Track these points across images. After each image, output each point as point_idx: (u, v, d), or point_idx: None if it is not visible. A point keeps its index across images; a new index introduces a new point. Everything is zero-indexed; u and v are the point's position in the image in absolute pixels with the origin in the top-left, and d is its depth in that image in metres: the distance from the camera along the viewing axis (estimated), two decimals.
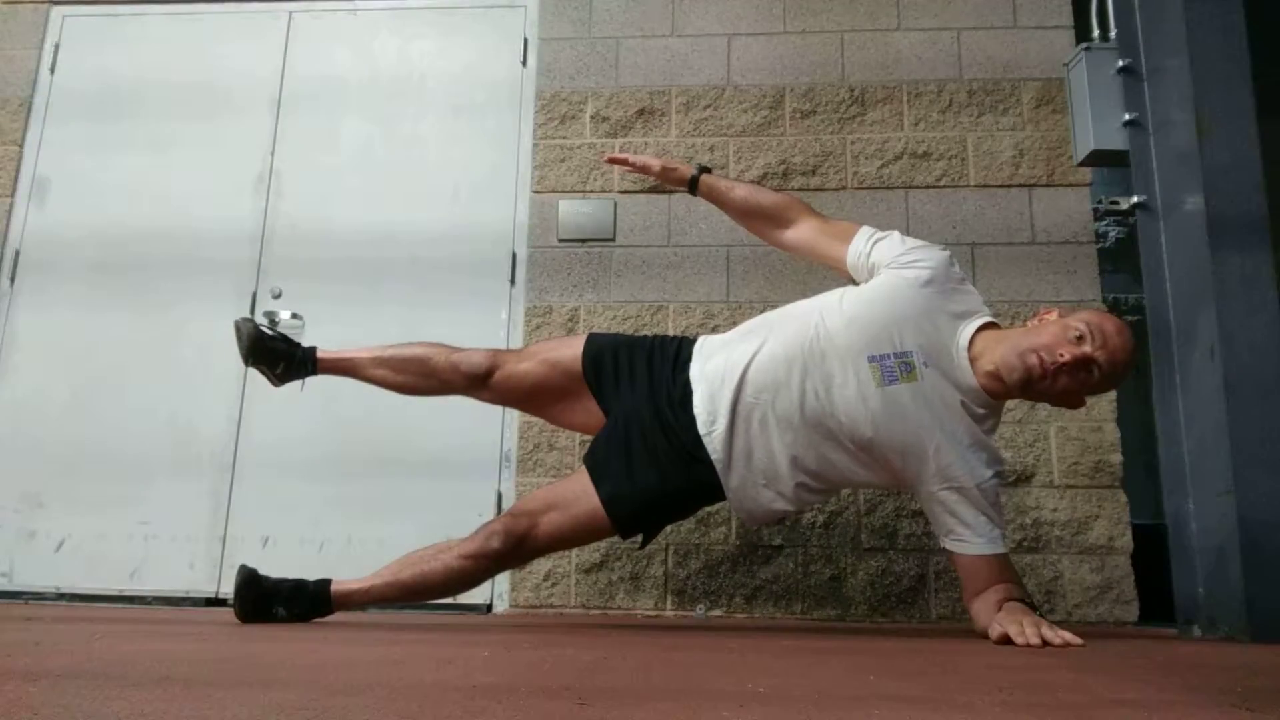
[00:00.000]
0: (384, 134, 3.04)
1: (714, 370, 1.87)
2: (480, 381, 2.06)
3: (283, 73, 3.10)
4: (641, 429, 1.89)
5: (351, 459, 2.77)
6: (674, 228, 2.83)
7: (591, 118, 2.94)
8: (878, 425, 1.75)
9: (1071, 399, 1.75)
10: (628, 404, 1.95)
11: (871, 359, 1.75)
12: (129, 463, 2.82)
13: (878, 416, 1.74)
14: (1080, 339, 1.66)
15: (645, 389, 1.95)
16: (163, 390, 2.87)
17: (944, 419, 1.74)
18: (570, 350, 2.04)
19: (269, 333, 2.07)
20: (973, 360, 1.74)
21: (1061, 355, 1.65)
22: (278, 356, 2.06)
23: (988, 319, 1.79)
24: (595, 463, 1.90)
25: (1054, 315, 1.76)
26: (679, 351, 1.98)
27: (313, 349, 2.11)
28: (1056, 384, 1.68)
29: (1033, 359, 1.66)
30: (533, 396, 2.08)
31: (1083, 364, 1.65)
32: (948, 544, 1.79)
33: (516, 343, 2.80)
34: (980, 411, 1.76)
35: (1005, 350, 1.70)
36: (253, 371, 2.14)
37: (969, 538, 1.75)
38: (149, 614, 2.22)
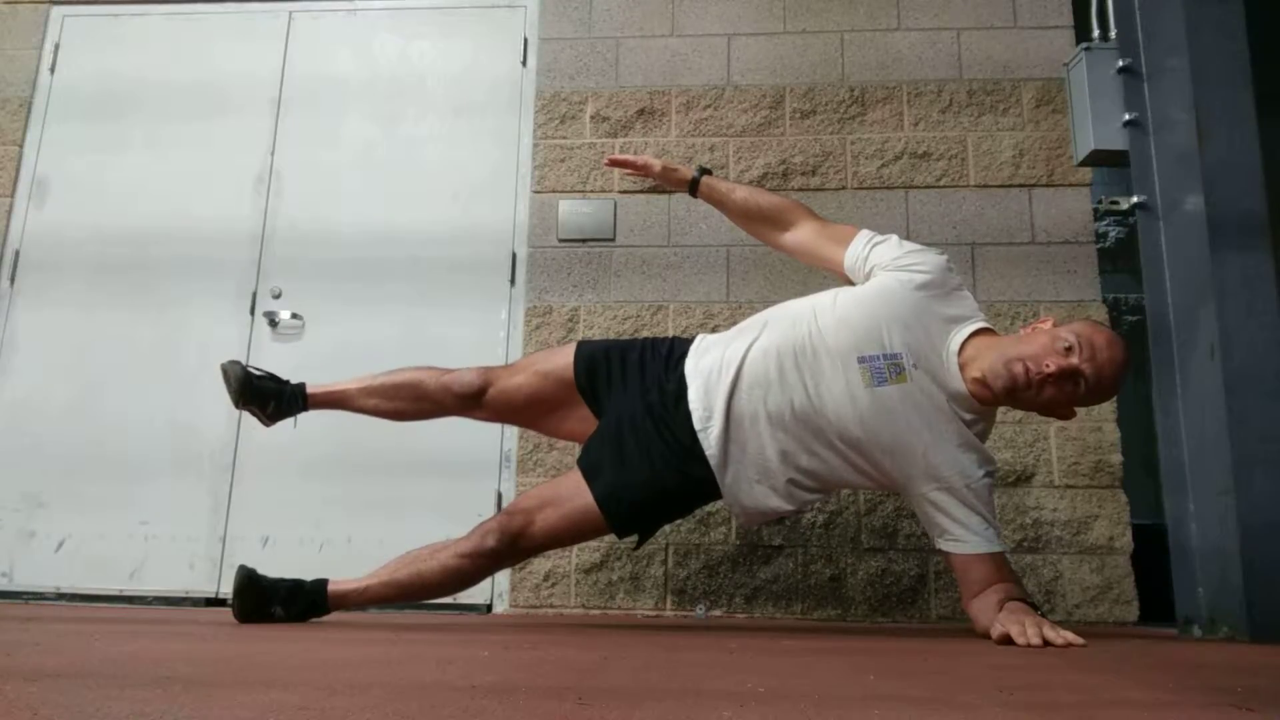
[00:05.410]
0: (384, 134, 3.04)
1: (709, 366, 1.88)
2: (474, 400, 2.07)
3: (282, 73, 3.10)
4: (634, 427, 1.90)
5: (351, 459, 2.76)
6: (674, 228, 2.83)
7: (591, 118, 2.94)
8: (866, 425, 1.75)
9: (1059, 410, 1.75)
10: (620, 404, 1.96)
11: (861, 360, 1.75)
12: (129, 463, 2.83)
13: (866, 417, 1.75)
14: (1069, 350, 1.65)
15: (637, 388, 1.95)
16: (163, 390, 2.87)
17: (933, 421, 1.74)
18: (562, 359, 2.05)
19: (257, 372, 2.07)
20: (963, 366, 1.74)
21: (1047, 366, 1.64)
22: (267, 396, 2.05)
23: (982, 325, 1.79)
24: (589, 462, 1.91)
25: (1048, 324, 1.75)
26: (671, 350, 1.99)
27: (302, 385, 2.10)
28: (1042, 394, 1.67)
29: (1018, 368, 1.66)
30: (527, 409, 2.08)
31: (1068, 376, 1.65)
32: (943, 545, 1.79)
33: (516, 342, 2.80)
34: (969, 417, 1.76)
35: (993, 358, 1.70)
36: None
37: (964, 536, 1.75)
38: (149, 614, 2.22)
